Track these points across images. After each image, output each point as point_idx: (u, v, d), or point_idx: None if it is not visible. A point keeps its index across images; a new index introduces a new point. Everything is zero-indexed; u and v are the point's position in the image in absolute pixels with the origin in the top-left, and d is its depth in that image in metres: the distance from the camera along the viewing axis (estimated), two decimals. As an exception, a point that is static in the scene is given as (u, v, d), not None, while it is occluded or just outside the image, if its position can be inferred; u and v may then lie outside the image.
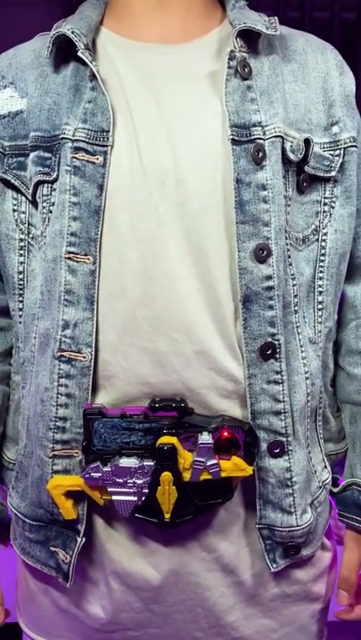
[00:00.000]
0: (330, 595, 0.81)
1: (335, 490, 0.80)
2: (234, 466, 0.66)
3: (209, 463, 0.65)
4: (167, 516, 0.67)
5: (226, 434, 0.66)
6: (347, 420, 0.82)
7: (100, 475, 0.66)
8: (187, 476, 0.66)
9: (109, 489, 0.66)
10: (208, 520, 0.71)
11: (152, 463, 0.66)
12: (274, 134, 0.68)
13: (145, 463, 0.66)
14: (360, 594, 0.80)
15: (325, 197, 0.74)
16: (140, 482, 0.66)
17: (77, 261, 0.68)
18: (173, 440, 0.65)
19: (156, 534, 0.71)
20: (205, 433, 0.66)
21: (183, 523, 0.68)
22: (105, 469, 0.66)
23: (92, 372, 0.68)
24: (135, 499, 0.66)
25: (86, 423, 0.66)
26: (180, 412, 0.66)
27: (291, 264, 0.71)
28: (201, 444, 0.65)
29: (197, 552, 0.72)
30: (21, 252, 0.75)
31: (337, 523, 0.83)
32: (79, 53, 0.70)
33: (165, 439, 0.65)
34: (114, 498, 0.67)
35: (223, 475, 0.66)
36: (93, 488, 0.67)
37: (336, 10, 2.04)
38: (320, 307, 0.75)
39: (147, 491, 0.66)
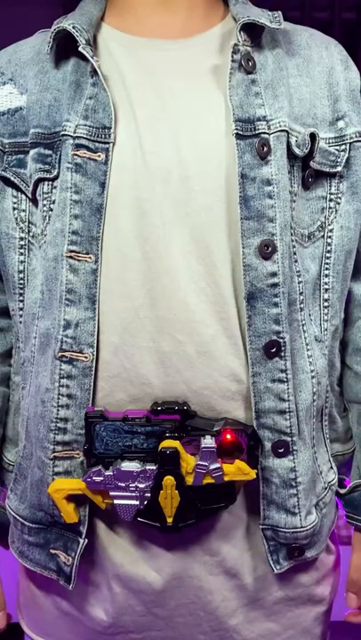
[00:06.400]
0: (333, 597, 0.81)
1: (342, 491, 0.80)
2: (237, 470, 0.65)
3: (212, 467, 0.65)
4: (170, 520, 0.66)
5: (229, 437, 0.65)
6: (354, 420, 0.81)
7: (101, 479, 0.65)
8: (189, 480, 0.65)
9: (111, 493, 0.66)
10: (211, 524, 0.70)
11: (154, 467, 0.65)
12: (279, 128, 0.67)
13: (147, 467, 0.65)
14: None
15: (331, 193, 0.74)
16: (142, 486, 0.65)
17: (79, 260, 0.67)
18: (176, 444, 0.64)
19: (158, 538, 0.70)
20: (208, 436, 0.65)
21: (186, 527, 0.67)
22: (107, 473, 0.65)
23: (93, 372, 0.67)
24: (137, 503, 0.66)
25: (88, 426, 0.66)
26: (183, 415, 0.65)
27: (296, 261, 0.70)
28: (204, 447, 0.64)
29: (200, 556, 0.71)
30: (22, 250, 0.74)
31: (337, 521, 0.83)
32: (80, 49, 0.69)
33: (168, 443, 0.64)
34: (116, 502, 0.66)
35: (226, 479, 0.65)
36: (95, 492, 0.66)
37: (336, 10, 2.04)
38: (326, 304, 0.74)
39: (149, 495, 0.65)
